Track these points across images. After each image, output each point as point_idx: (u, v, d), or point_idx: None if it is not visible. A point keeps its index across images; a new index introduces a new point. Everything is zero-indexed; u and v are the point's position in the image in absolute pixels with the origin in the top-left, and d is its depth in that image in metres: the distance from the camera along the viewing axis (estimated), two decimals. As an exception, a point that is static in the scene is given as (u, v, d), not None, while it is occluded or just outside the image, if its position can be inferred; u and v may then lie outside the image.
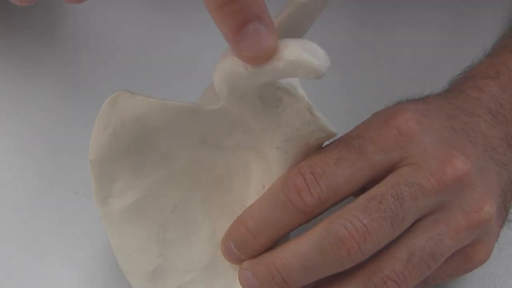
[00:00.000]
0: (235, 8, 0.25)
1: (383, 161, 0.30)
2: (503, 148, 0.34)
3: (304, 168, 0.30)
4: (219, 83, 0.27)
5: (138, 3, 0.48)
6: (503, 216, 0.33)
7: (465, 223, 0.30)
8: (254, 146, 0.31)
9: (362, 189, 0.31)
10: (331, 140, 0.31)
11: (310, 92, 0.31)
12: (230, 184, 0.32)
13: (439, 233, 0.30)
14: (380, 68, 0.45)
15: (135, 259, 0.32)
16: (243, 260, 0.31)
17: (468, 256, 0.32)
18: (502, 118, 0.35)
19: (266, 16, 0.26)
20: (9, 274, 0.36)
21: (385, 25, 0.47)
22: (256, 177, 0.32)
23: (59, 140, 0.41)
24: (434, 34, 0.47)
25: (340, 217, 0.29)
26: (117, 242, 0.32)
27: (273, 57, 0.26)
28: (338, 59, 0.44)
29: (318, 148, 0.31)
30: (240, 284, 0.31)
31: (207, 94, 0.33)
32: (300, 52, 0.26)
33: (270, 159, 0.31)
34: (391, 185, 0.29)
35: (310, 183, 0.29)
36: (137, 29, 0.47)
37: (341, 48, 0.46)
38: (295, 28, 0.29)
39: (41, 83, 0.44)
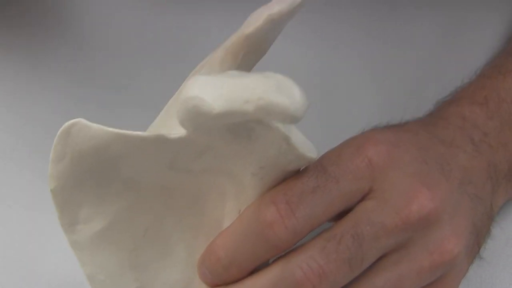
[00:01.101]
0: None
1: (356, 191, 0.30)
2: (482, 180, 0.33)
3: (279, 197, 0.29)
4: (182, 120, 0.26)
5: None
6: (475, 251, 0.33)
7: (428, 263, 0.29)
8: (227, 170, 0.30)
9: None
10: None
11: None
12: (203, 207, 0.31)
13: (399, 273, 0.29)
14: (380, 70, 0.44)
15: (109, 285, 0.31)
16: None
17: None
18: (485, 147, 0.34)
19: None
20: (5, 272, 0.37)
21: (386, 27, 0.46)
22: (231, 201, 0.31)
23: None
24: (435, 36, 0.46)
25: (297, 256, 0.28)
26: (89, 269, 0.31)
27: (240, 99, 0.24)
28: (336, 61, 0.44)
29: (295, 172, 0.30)
30: None
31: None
32: (273, 96, 0.23)
33: (244, 184, 0.30)
34: (352, 224, 0.29)
35: (284, 214, 0.28)
36: (140, 23, 0.47)
37: (340, 49, 0.45)
38: (262, 42, 0.28)
39: (41, 79, 0.44)
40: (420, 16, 0.46)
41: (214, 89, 0.24)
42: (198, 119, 0.25)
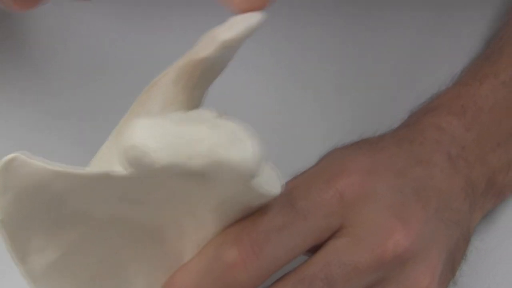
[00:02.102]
0: None
1: (326, 228, 0.28)
2: (459, 202, 0.31)
3: (243, 236, 0.26)
4: (124, 167, 0.23)
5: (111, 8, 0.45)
6: (449, 279, 0.31)
7: None
8: (183, 204, 0.27)
9: None
10: None
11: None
12: (161, 238, 0.29)
13: None
14: (352, 77, 0.42)
15: None
16: None
17: None
18: (462, 163, 0.33)
19: None
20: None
21: (358, 34, 0.44)
22: (190, 234, 0.29)
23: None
24: (409, 43, 0.44)
25: None
26: None
27: (185, 153, 0.22)
28: (306, 68, 0.42)
29: (257, 208, 0.27)
30: None
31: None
32: (223, 152, 0.21)
33: (203, 219, 0.27)
34: (322, 265, 0.27)
35: (247, 256, 0.26)
36: (111, 32, 0.44)
37: (310, 55, 0.43)
38: (219, 63, 0.26)
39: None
40: (394, 21, 0.44)
41: (156, 138, 0.22)
42: (140, 169, 0.23)
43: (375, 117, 0.37)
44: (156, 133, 0.22)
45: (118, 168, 0.25)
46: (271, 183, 0.26)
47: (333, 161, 0.30)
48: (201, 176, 0.24)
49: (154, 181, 0.25)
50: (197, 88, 0.27)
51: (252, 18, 0.24)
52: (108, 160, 0.29)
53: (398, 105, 0.37)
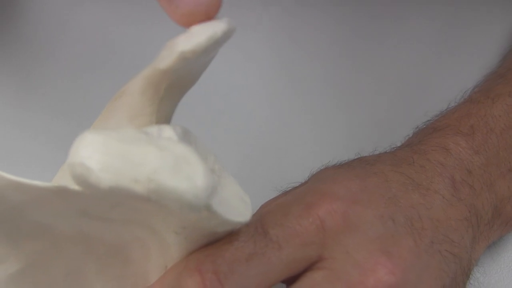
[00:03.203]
0: None
1: (302, 259, 0.25)
2: (459, 233, 0.29)
3: (206, 264, 0.24)
4: (74, 181, 0.22)
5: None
6: None
7: None
8: (147, 224, 0.25)
9: None
10: None
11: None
12: (126, 257, 0.27)
13: None
14: (377, 81, 0.40)
15: None
16: None
17: None
18: (467, 191, 0.30)
19: None
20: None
21: (383, 38, 0.42)
22: (156, 255, 0.27)
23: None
24: (433, 47, 0.41)
25: None
26: None
27: (129, 176, 0.20)
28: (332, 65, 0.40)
29: (226, 233, 0.25)
30: None
31: None
32: (166, 178, 0.19)
33: (168, 241, 0.26)
34: None
35: (210, 286, 0.23)
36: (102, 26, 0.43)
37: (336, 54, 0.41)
38: (186, 74, 0.24)
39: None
40: (403, 32, 0.42)
41: (103, 155, 0.20)
42: (87, 188, 0.21)
43: (378, 132, 0.35)
44: (103, 151, 0.20)
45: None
46: (238, 209, 0.24)
47: (319, 183, 0.27)
48: (148, 200, 0.22)
49: (112, 199, 0.23)
50: (165, 100, 0.25)
51: (215, 27, 0.22)
52: None
53: (404, 120, 0.35)
